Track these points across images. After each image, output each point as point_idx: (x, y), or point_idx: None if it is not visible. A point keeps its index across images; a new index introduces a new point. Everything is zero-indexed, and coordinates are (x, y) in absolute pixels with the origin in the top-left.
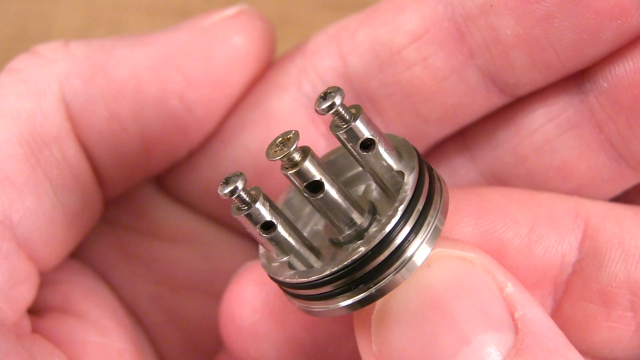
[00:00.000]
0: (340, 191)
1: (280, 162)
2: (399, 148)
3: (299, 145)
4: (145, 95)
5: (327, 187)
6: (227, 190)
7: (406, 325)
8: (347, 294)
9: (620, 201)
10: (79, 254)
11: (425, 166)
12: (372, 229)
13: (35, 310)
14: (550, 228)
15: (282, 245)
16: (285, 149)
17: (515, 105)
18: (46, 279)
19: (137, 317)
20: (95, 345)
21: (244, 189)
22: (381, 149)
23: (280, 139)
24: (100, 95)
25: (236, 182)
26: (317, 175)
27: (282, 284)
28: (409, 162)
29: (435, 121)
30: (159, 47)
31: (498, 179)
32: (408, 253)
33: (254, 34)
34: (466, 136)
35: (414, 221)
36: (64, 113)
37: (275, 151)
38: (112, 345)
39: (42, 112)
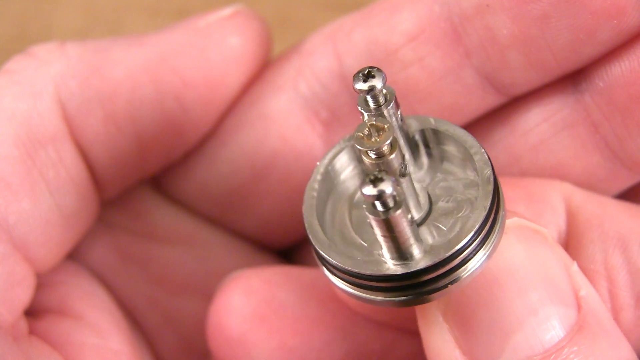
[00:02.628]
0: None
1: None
2: (473, 158)
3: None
4: (141, 96)
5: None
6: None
7: (479, 291)
8: (399, 292)
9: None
10: (76, 256)
11: (498, 186)
12: (429, 229)
13: (32, 312)
14: (545, 205)
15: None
16: (378, 141)
17: (510, 104)
18: (43, 281)
19: (134, 318)
20: (92, 347)
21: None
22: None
23: (369, 125)
24: (96, 96)
25: (388, 184)
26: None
27: (334, 267)
28: (483, 167)
29: None
30: (154, 47)
31: None
32: (470, 265)
33: (250, 35)
34: None
35: (484, 235)
36: (59, 114)
37: (370, 140)
38: (108, 347)
39: (38, 113)
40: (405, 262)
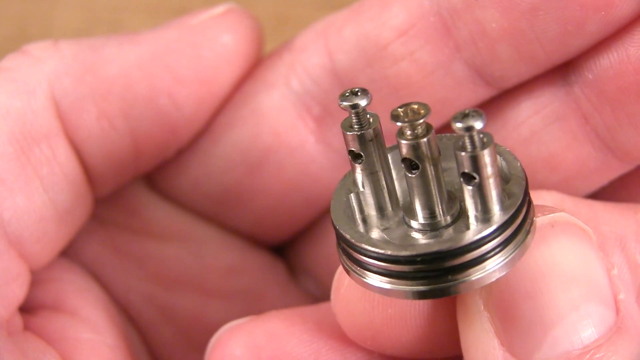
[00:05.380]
0: (434, 179)
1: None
2: (503, 154)
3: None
4: (134, 93)
5: (421, 170)
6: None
7: (523, 282)
8: (413, 281)
9: (608, 193)
10: (70, 252)
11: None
12: (449, 231)
13: (26, 308)
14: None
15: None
16: (414, 118)
17: (501, 98)
18: (37, 277)
19: (129, 314)
20: (87, 342)
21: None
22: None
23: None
24: (90, 94)
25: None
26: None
27: (351, 246)
28: (513, 172)
29: None
30: (147, 45)
31: None
32: (487, 266)
33: (243, 33)
34: (453, 130)
35: (506, 237)
36: (53, 112)
37: (407, 115)
38: (104, 342)
39: (32, 110)
40: (487, 216)
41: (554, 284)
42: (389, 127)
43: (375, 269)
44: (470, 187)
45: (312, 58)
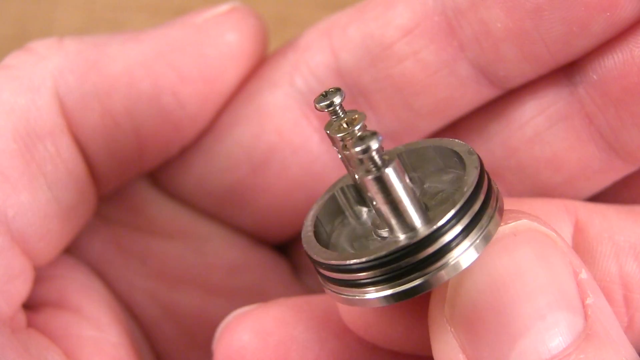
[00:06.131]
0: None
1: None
2: (456, 150)
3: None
4: (138, 91)
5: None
6: (359, 148)
7: (486, 294)
8: (382, 285)
9: (611, 193)
10: (74, 250)
11: (485, 172)
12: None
13: (30, 305)
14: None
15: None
16: (350, 128)
17: (505, 98)
18: (41, 274)
19: (132, 312)
20: (90, 340)
21: (378, 149)
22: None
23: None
24: (94, 91)
25: (371, 140)
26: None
27: (317, 264)
28: (468, 163)
29: (427, 114)
30: (151, 43)
31: (489, 172)
32: (454, 254)
33: (247, 31)
34: (457, 129)
35: (467, 222)
36: (58, 109)
37: (340, 127)
38: (107, 339)
39: (37, 107)
40: (412, 231)
41: (518, 294)
42: (388, 126)
43: (334, 279)
44: (383, 207)
45: (317, 57)
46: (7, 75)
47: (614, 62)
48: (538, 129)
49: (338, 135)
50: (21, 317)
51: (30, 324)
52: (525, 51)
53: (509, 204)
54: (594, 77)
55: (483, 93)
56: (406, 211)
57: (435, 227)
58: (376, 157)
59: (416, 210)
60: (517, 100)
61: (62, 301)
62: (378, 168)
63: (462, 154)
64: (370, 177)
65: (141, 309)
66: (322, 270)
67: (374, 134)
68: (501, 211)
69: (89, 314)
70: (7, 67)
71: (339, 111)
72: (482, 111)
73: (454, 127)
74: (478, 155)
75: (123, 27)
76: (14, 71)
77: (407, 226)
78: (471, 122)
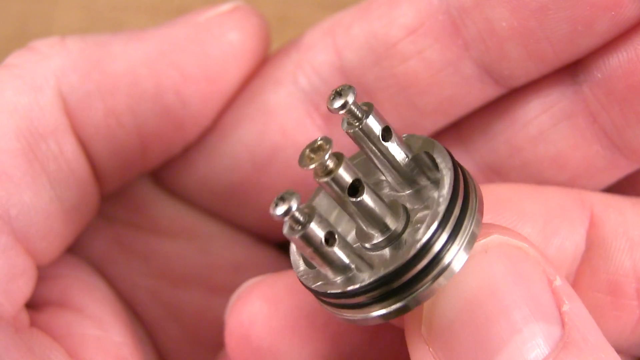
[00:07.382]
0: (375, 194)
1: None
2: (426, 147)
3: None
4: (141, 90)
5: (365, 189)
6: (280, 212)
7: (461, 312)
8: (383, 303)
9: (615, 191)
10: (77, 249)
11: (459, 167)
12: (407, 235)
13: (33, 305)
14: (563, 220)
15: (336, 264)
16: (319, 156)
17: (509, 96)
18: (44, 274)
19: (135, 311)
20: (93, 339)
21: (298, 209)
22: (397, 139)
23: (309, 148)
24: (97, 90)
25: (291, 201)
26: (351, 179)
27: (315, 293)
28: (441, 162)
29: (431, 113)
30: (154, 42)
31: (493, 170)
32: (446, 260)
33: (249, 30)
34: (462, 128)
35: (452, 227)
36: (60, 108)
37: (311, 158)
38: (110, 339)
39: (39, 106)
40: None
41: (493, 311)
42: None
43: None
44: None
45: (320, 56)
46: (10, 74)
47: (618, 61)
48: (542, 128)
49: (310, 167)
50: (24, 317)
51: (33, 323)
52: (530, 50)
53: (525, 193)
54: (599, 75)
55: (487, 92)
56: (375, 218)
57: (423, 242)
58: (298, 215)
59: (385, 215)
60: (521, 99)
61: (65, 300)
62: (302, 225)
63: (434, 155)
64: (296, 235)
65: (144, 308)
66: (322, 298)
67: (292, 194)
68: (481, 209)
69: (91, 313)
70: (9, 66)
71: (355, 110)
72: (486, 110)
73: (457, 126)
74: (449, 153)
75: (123, 26)
76: (16, 70)
77: (386, 228)
78: (475, 121)
